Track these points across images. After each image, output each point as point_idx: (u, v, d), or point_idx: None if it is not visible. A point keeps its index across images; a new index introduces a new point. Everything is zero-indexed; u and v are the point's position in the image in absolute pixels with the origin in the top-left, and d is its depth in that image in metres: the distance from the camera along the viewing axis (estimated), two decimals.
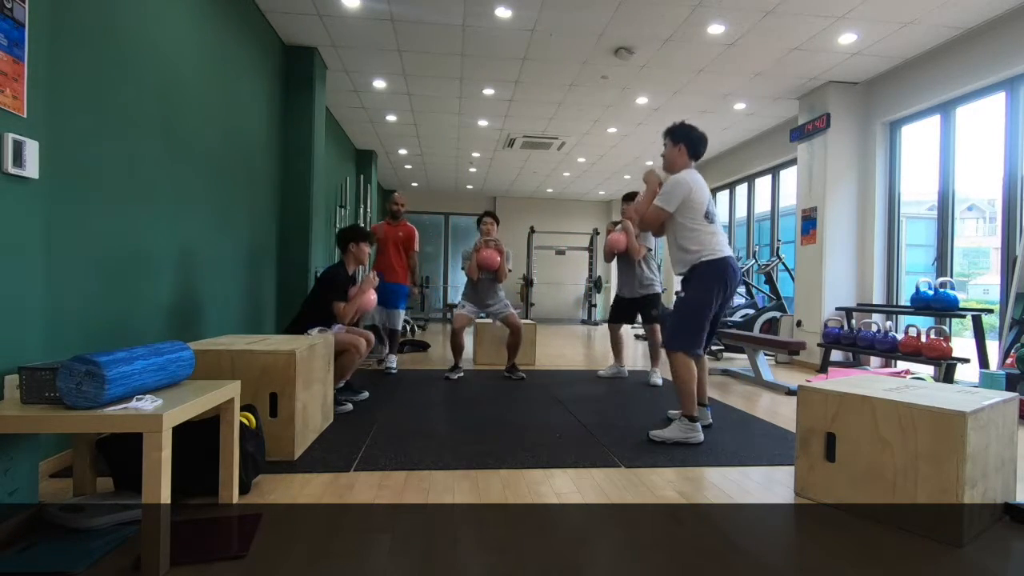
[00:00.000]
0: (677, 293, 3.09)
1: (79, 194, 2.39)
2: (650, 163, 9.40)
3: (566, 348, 7.39)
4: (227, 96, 3.89)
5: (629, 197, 4.85)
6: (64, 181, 2.29)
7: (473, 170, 10.35)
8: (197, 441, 2.00)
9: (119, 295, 2.67)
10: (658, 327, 4.73)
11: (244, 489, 2.08)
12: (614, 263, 5.01)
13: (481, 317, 5.04)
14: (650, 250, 4.77)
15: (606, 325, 5.28)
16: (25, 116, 1.73)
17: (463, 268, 4.96)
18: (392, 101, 6.60)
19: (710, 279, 2.90)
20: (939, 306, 4.51)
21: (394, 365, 5.05)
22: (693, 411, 2.90)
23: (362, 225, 4.02)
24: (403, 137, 8.18)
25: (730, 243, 8.82)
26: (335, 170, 7.37)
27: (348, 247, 3.69)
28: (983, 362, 4.29)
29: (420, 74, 5.72)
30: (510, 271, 4.96)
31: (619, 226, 4.84)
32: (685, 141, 3.06)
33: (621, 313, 4.96)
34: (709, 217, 2.95)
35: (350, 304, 3.53)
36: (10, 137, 1.66)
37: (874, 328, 5.00)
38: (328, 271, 3.66)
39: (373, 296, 3.72)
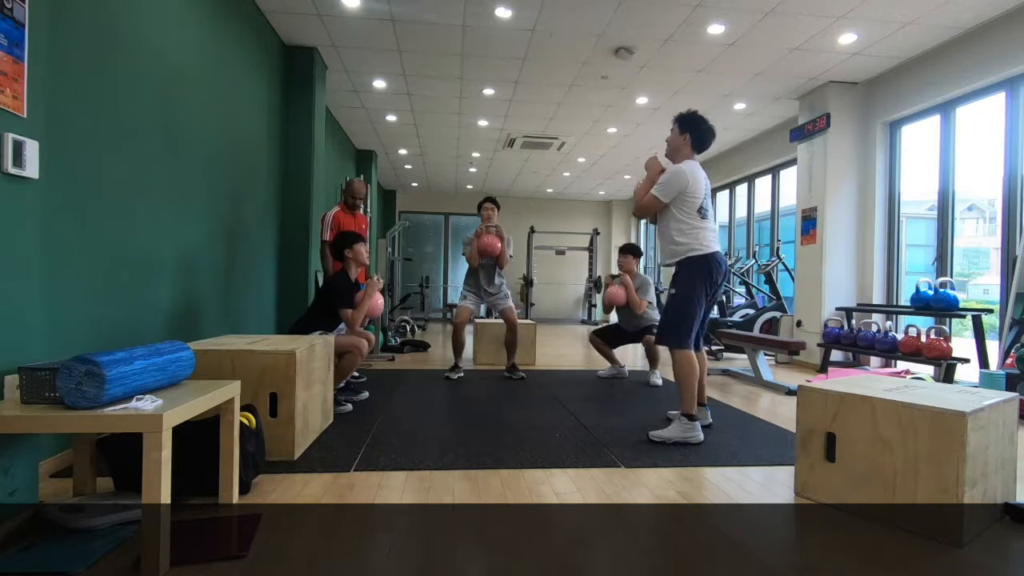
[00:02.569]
0: (668, 290, 3.09)
1: (79, 194, 2.39)
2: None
3: (566, 348, 7.40)
4: (227, 96, 3.89)
5: (626, 250, 4.88)
6: (64, 181, 2.29)
7: (473, 170, 10.35)
8: (197, 441, 2.00)
9: (119, 295, 2.67)
10: (652, 338, 4.74)
11: (244, 489, 2.08)
12: (614, 264, 5.02)
13: (482, 316, 5.03)
14: (651, 303, 4.79)
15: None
16: (25, 116, 1.73)
17: (464, 254, 4.93)
18: (392, 101, 6.60)
19: (696, 274, 2.92)
20: (939, 306, 4.51)
21: (363, 378, 4.69)
22: (692, 409, 2.90)
23: (352, 231, 3.89)
24: (403, 137, 8.18)
25: (730, 243, 8.88)
26: (335, 170, 7.37)
27: (344, 254, 3.65)
28: (983, 362, 4.28)
29: (420, 74, 5.72)
30: (511, 257, 4.90)
31: (617, 279, 4.86)
32: (692, 131, 3.04)
33: (611, 336, 5.01)
34: (702, 212, 2.95)
35: (359, 310, 3.52)
36: (10, 137, 1.66)
37: (874, 328, 5.00)
38: (332, 280, 3.63)
39: (380, 300, 3.72)
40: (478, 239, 4.76)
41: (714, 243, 2.96)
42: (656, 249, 11.98)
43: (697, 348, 3.04)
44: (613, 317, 5.13)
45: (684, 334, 2.92)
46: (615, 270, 5.12)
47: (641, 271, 4.99)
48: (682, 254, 2.94)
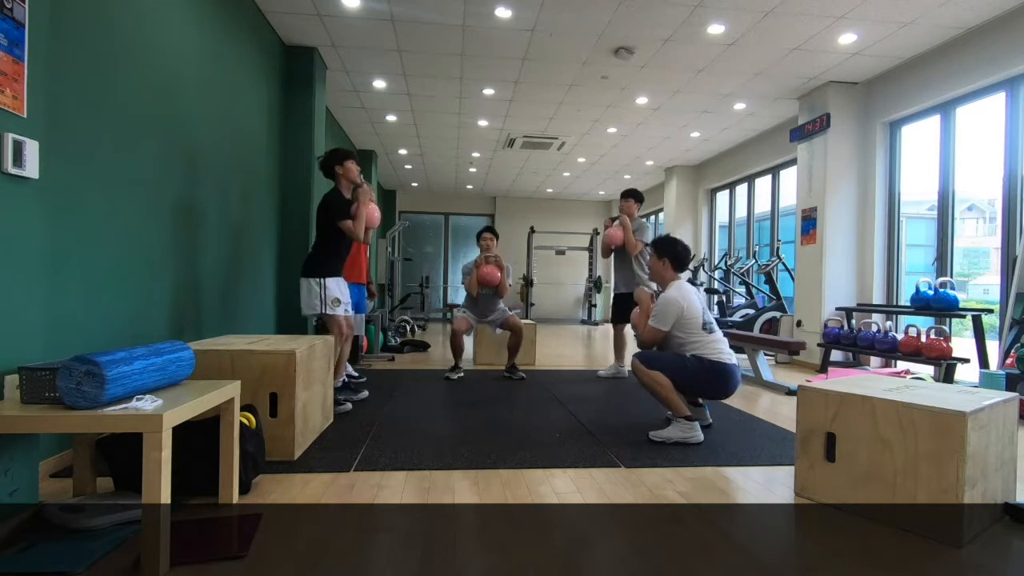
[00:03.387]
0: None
1: (79, 194, 2.39)
2: (651, 162, 9.40)
3: (566, 348, 7.40)
4: (227, 96, 3.89)
5: (628, 193, 4.86)
6: (64, 181, 2.29)
7: (473, 170, 10.35)
8: (197, 441, 2.00)
9: (119, 295, 2.67)
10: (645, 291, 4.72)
11: (244, 489, 2.08)
12: (611, 259, 5.01)
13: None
14: (647, 245, 4.75)
15: (607, 325, 5.29)
16: (25, 116, 1.73)
17: (463, 283, 4.94)
18: (392, 101, 6.60)
19: (714, 374, 2.93)
20: (939, 306, 4.51)
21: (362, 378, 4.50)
22: (684, 412, 2.90)
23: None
24: (403, 137, 8.18)
25: (730, 243, 8.88)
26: None
27: (335, 171, 3.60)
28: (983, 362, 4.29)
29: (420, 74, 5.72)
30: (510, 286, 4.93)
31: (616, 221, 4.83)
32: (669, 256, 3.12)
33: (622, 311, 4.96)
34: (707, 328, 2.98)
35: (357, 219, 3.48)
36: (10, 137, 1.66)
37: (874, 328, 5.00)
38: (325, 198, 3.58)
39: (376, 210, 3.69)
40: (478, 269, 4.78)
41: (730, 355, 2.97)
42: None
43: None
44: (611, 265, 5.08)
45: (661, 371, 2.92)
46: (615, 270, 5.10)
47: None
48: (703, 355, 2.96)
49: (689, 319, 2.96)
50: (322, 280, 3.44)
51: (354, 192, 3.61)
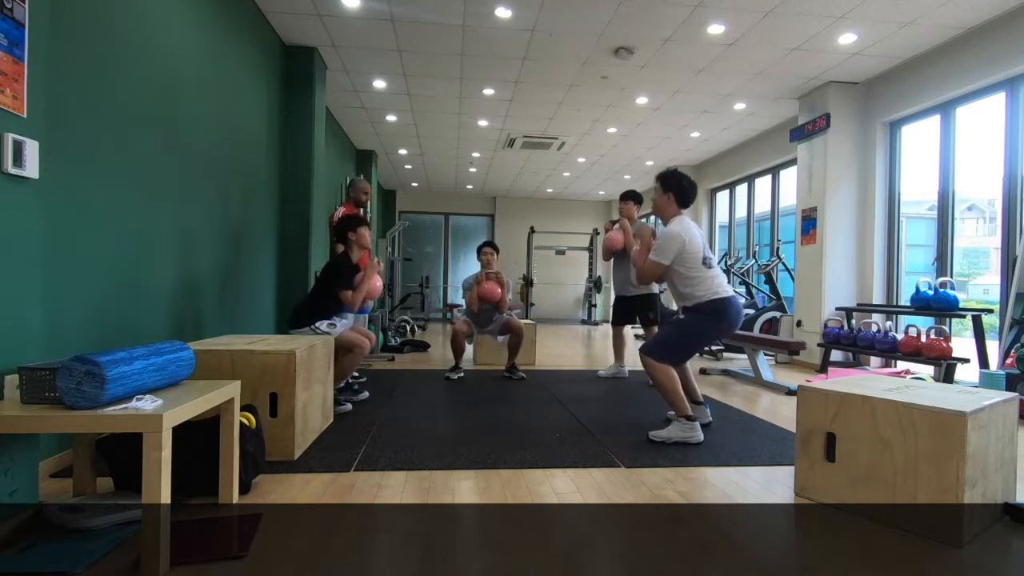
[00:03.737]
0: (678, 312, 3.09)
1: (79, 194, 2.39)
2: (650, 162, 9.41)
3: (566, 348, 7.40)
4: (227, 96, 3.89)
5: (627, 195, 4.86)
6: (64, 181, 2.29)
7: (473, 170, 10.35)
8: (197, 441, 2.00)
9: (119, 295, 2.67)
10: (656, 329, 4.73)
11: (244, 489, 2.08)
12: (611, 262, 5.01)
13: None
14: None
15: (607, 325, 5.29)
16: (25, 116, 1.73)
17: (463, 298, 4.95)
18: (392, 101, 6.60)
19: (714, 315, 2.92)
20: (939, 306, 4.51)
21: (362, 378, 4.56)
22: (687, 411, 2.90)
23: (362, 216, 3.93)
24: (403, 137, 8.18)
25: (730, 243, 8.89)
26: (335, 170, 7.37)
27: (348, 236, 3.66)
28: (983, 362, 4.28)
29: (420, 74, 5.72)
30: (511, 300, 4.93)
31: (617, 224, 4.84)
32: (675, 191, 3.06)
33: (622, 314, 4.97)
34: (707, 263, 2.96)
35: (358, 291, 3.52)
36: (10, 137, 1.66)
37: (874, 328, 5.00)
38: (333, 261, 3.64)
39: (379, 282, 3.71)
40: (478, 285, 4.78)
41: (726, 288, 2.95)
42: None
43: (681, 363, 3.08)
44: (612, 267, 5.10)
45: (670, 356, 2.93)
46: (615, 272, 5.11)
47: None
48: (699, 300, 2.94)
49: (690, 253, 2.92)
50: (313, 324, 3.37)
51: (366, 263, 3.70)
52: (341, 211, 4.43)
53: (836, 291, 5.80)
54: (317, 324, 3.36)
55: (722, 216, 9.36)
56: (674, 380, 2.89)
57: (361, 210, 4.62)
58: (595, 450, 2.75)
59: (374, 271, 3.64)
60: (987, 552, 1.75)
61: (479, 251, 4.99)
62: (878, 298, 5.67)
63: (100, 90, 2.51)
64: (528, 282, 11.70)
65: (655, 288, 4.78)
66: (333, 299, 3.51)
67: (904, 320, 5.34)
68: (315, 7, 4.38)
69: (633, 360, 6.12)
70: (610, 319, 5.21)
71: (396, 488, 2.20)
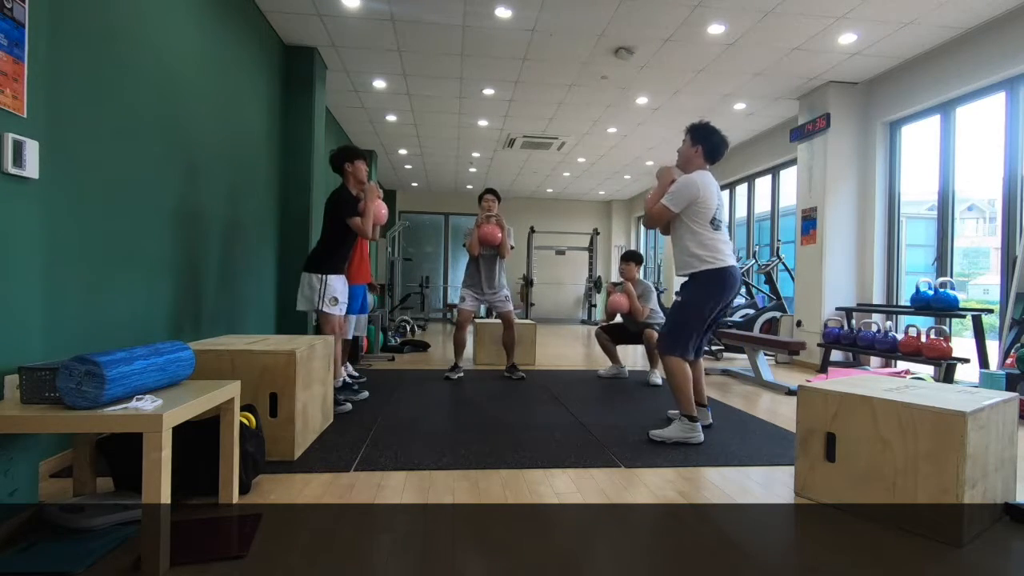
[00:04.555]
0: (677, 294, 3.08)
1: (79, 194, 2.39)
2: (650, 162, 9.40)
3: (566, 348, 7.39)
4: (227, 96, 3.89)
5: (628, 256, 4.91)
6: (64, 181, 2.29)
7: (473, 170, 10.35)
8: (197, 441, 2.00)
9: (119, 295, 2.67)
10: (655, 332, 4.75)
11: (244, 489, 2.08)
12: (614, 263, 5.03)
13: (482, 316, 5.02)
14: (653, 310, 4.81)
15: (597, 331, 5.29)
16: (25, 116, 1.73)
17: (464, 245, 4.86)
18: (392, 101, 6.60)
19: (710, 287, 2.88)
20: (939, 306, 4.51)
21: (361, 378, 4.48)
22: (692, 411, 2.90)
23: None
24: (403, 137, 8.18)
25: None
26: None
27: (344, 168, 3.63)
28: (983, 362, 4.28)
29: (420, 74, 5.72)
30: (512, 248, 4.87)
31: (619, 287, 4.89)
32: (704, 143, 2.99)
33: (618, 333, 5.04)
34: (715, 224, 2.91)
35: (366, 215, 3.50)
36: (10, 137, 1.66)
37: (874, 328, 5.00)
38: (333, 194, 3.60)
39: (384, 208, 3.70)
40: (479, 228, 4.74)
41: (729, 256, 2.91)
42: (655, 250, 11.99)
43: (697, 356, 3.04)
44: (613, 267, 5.15)
45: (680, 343, 2.91)
46: (615, 270, 5.13)
47: (641, 275, 5.01)
48: (696, 267, 2.90)
49: (701, 207, 2.88)
50: (324, 276, 3.45)
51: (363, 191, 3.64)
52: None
53: (836, 291, 5.80)
54: (329, 283, 3.43)
55: (723, 216, 9.34)
56: (687, 376, 2.88)
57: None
58: (595, 450, 2.75)
59: (374, 195, 3.59)
60: (987, 552, 1.75)
61: (480, 198, 4.92)
62: (878, 298, 5.67)
63: (100, 90, 2.51)
64: (528, 282, 11.70)
65: (659, 317, 4.81)
66: (342, 234, 3.51)
67: (904, 320, 5.34)
68: (315, 7, 4.38)
69: (633, 360, 6.13)
70: (614, 319, 5.21)
71: (396, 488, 2.20)
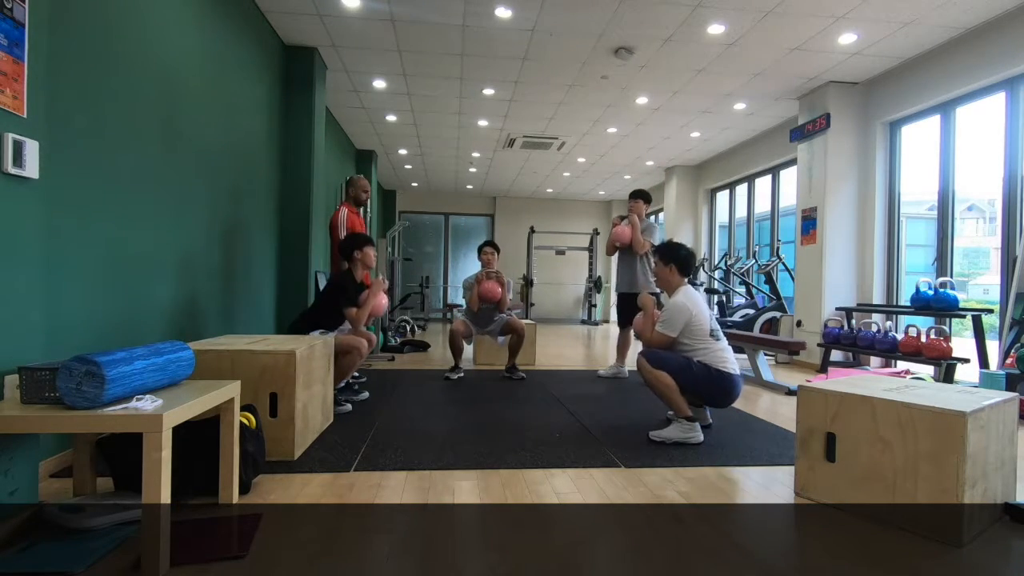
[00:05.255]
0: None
1: (79, 194, 2.39)
2: (651, 162, 9.41)
3: (566, 348, 7.39)
4: (227, 96, 3.89)
5: (636, 194, 4.87)
6: (64, 181, 2.29)
7: (473, 170, 10.35)
8: (197, 441, 2.00)
9: (119, 295, 2.67)
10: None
11: (244, 489, 2.08)
12: (614, 259, 5.01)
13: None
14: (653, 245, 4.75)
15: (606, 325, 5.30)
16: (25, 116, 1.73)
17: (464, 298, 4.96)
18: (392, 101, 6.60)
19: (715, 382, 2.92)
20: (939, 306, 4.51)
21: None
22: (687, 412, 2.90)
23: (365, 233, 3.95)
24: (403, 137, 8.18)
25: (730, 243, 8.89)
26: (335, 170, 7.37)
27: (353, 255, 3.65)
28: (983, 362, 4.28)
29: (420, 74, 5.72)
30: (511, 300, 4.93)
31: (625, 220, 4.85)
32: (675, 262, 3.12)
33: (626, 312, 4.97)
34: (714, 335, 2.98)
35: (363, 309, 3.51)
36: (10, 137, 1.66)
37: (874, 328, 5.00)
38: (337, 277, 3.62)
39: (384, 300, 3.71)
40: (479, 285, 4.77)
41: (732, 364, 2.96)
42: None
43: None
44: (613, 264, 5.10)
45: (666, 370, 2.91)
46: (615, 270, 5.10)
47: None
48: (707, 362, 2.95)
49: (697, 326, 2.96)
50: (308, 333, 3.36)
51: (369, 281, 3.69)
52: (344, 212, 4.38)
53: (836, 291, 5.80)
54: (313, 334, 3.36)
55: (722, 216, 9.36)
56: (670, 384, 2.89)
57: (361, 209, 4.61)
58: (595, 450, 2.75)
59: (379, 289, 3.63)
60: (987, 552, 1.75)
61: (479, 251, 4.99)
62: (878, 298, 5.67)
63: (100, 90, 2.51)
64: (528, 282, 11.70)
65: (656, 287, 4.77)
66: (336, 314, 3.51)
67: (904, 320, 5.34)
68: (315, 7, 4.38)
69: (632, 360, 6.13)
70: (613, 319, 5.20)
71: (396, 488, 2.20)
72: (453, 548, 1.71)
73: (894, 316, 5.52)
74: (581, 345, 7.86)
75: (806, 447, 2.18)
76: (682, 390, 2.91)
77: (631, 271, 4.81)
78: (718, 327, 3.04)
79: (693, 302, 2.99)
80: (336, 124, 7.41)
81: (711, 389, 2.95)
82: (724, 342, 3.01)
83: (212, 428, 1.99)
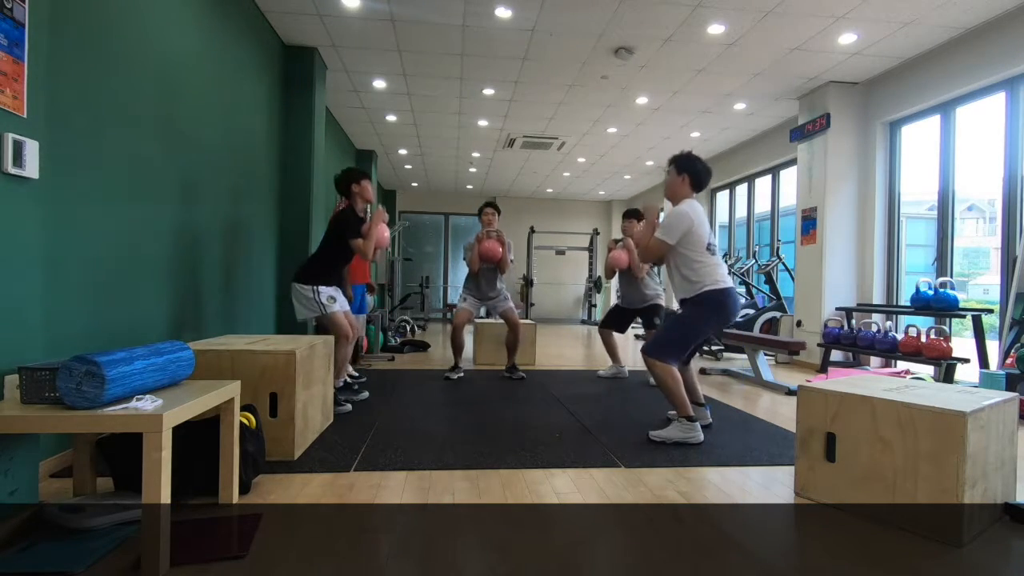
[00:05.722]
0: (677, 308, 3.09)
1: (79, 194, 2.39)
2: (651, 162, 9.41)
3: (566, 348, 7.39)
4: (227, 96, 3.89)
5: (629, 214, 4.88)
6: (64, 181, 2.29)
7: (473, 170, 10.35)
8: (197, 441, 2.00)
9: (119, 295, 2.67)
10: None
11: (244, 489, 2.08)
12: (616, 277, 5.01)
13: (481, 316, 5.02)
14: (652, 266, 4.78)
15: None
16: (25, 116, 1.73)
17: (464, 259, 4.90)
18: (392, 101, 6.60)
19: (711, 308, 2.90)
20: (939, 306, 4.51)
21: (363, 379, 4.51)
22: (688, 412, 2.90)
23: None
24: (403, 137, 8.18)
25: (730, 243, 8.89)
26: (335, 170, 7.34)
27: (351, 188, 3.65)
28: (983, 362, 4.28)
29: (420, 74, 5.72)
30: (512, 262, 4.90)
31: (620, 244, 4.87)
32: (689, 172, 3.03)
33: (616, 320, 5.01)
34: (711, 249, 2.95)
35: (368, 238, 3.51)
36: (10, 137, 1.66)
37: (874, 328, 5.00)
38: (338, 214, 3.62)
39: (387, 231, 3.71)
40: (479, 244, 4.75)
41: (727, 279, 2.95)
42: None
43: (686, 363, 3.08)
44: (614, 294, 5.11)
45: (672, 354, 2.92)
46: (617, 285, 5.11)
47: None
48: (698, 290, 2.91)
49: (696, 235, 2.91)
50: (315, 287, 3.43)
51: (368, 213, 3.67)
52: (342, 205, 4.40)
53: (836, 291, 5.80)
54: (320, 289, 3.41)
55: (722, 216, 9.36)
56: (676, 380, 2.89)
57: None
58: (595, 450, 2.75)
59: (380, 219, 3.61)
60: (987, 552, 1.75)
61: (480, 211, 4.94)
62: (878, 298, 5.67)
63: (100, 90, 2.51)
64: (528, 282, 11.70)
65: (660, 299, 4.78)
66: (340, 253, 3.51)
67: (904, 320, 5.34)
68: (315, 7, 4.38)
69: (633, 360, 6.13)
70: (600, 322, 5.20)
71: (396, 488, 2.20)
72: (453, 548, 1.71)
73: (894, 316, 5.52)
74: (581, 345, 7.86)
75: (806, 447, 2.18)
76: (693, 342, 2.93)
77: (634, 290, 4.81)
78: (716, 243, 3.00)
79: (696, 212, 2.94)
80: (336, 124, 7.41)
81: (712, 316, 2.90)
82: (719, 258, 2.97)
83: (212, 428, 1.99)
